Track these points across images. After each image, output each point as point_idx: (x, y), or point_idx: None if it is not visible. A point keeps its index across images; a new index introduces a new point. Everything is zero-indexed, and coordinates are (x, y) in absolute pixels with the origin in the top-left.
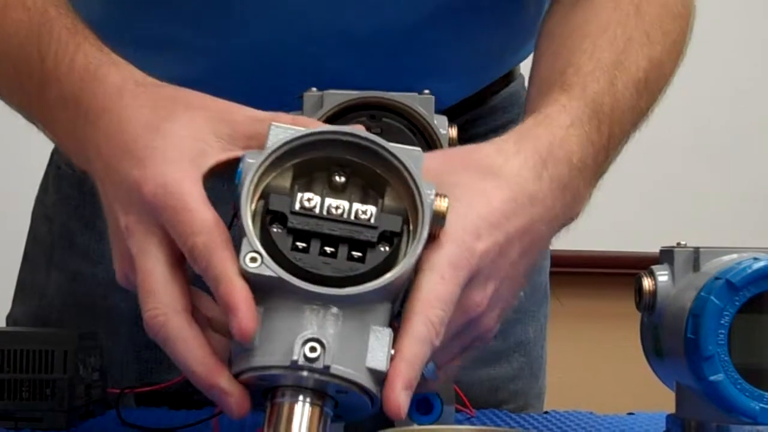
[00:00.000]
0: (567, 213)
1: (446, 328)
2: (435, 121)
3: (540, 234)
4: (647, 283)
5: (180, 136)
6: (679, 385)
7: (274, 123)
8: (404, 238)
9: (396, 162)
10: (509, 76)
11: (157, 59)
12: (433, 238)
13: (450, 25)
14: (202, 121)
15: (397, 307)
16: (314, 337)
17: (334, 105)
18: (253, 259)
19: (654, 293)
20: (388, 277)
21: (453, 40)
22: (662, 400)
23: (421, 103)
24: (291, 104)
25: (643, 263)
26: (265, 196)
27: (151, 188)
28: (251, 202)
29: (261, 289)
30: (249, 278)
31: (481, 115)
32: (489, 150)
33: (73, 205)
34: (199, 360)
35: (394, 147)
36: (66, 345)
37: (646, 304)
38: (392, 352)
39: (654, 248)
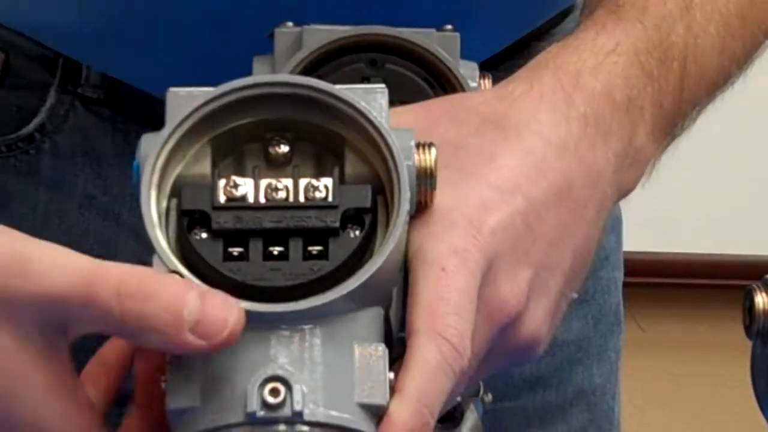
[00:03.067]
0: (619, 174)
1: (473, 343)
2: (461, 69)
3: (582, 199)
4: (761, 298)
5: None
6: None
7: (171, 88)
8: (381, 215)
9: (345, 107)
10: (566, 10)
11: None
12: (423, 207)
13: None
14: None
15: (396, 310)
16: (274, 374)
17: (319, 45)
18: None
19: None
20: (363, 273)
21: None
22: None
23: (440, 42)
24: (256, 46)
25: (755, 271)
26: (176, 191)
27: None
28: (158, 203)
29: None
30: None
31: (524, 65)
32: (486, 96)
33: None
34: None
35: (342, 89)
36: None
37: (760, 328)
38: (391, 375)
39: None
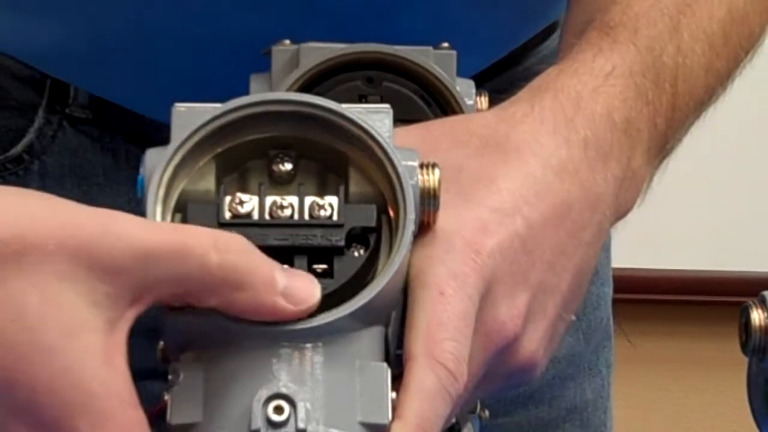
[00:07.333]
0: (617, 195)
1: (469, 365)
2: (457, 87)
3: (581, 222)
4: (757, 315)
5: None
6: None
7: (177, 104)
8: (385, 234)
9: (351, 126)
10: (549, 28)
11: (42, 21)
12: (425, 228)
13: None
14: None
15: (395, 328)
16: (278, 392)
17: (316, 63)
18: None
19: (767, 330)
20: (368, 292)
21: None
22: None
23: (437, 60)
24: (247, 65)
25: (749, 288)
26: (181, 206)
27: None
28: (163, 218)
29: (195, 339)
30: (173, 328)
31: (511, 81)
32: (487, 118)
33: None
34: None
35: (348, 108)
36: None
37: (756, 345)
38: (393, 395)
39: (765, 267)
